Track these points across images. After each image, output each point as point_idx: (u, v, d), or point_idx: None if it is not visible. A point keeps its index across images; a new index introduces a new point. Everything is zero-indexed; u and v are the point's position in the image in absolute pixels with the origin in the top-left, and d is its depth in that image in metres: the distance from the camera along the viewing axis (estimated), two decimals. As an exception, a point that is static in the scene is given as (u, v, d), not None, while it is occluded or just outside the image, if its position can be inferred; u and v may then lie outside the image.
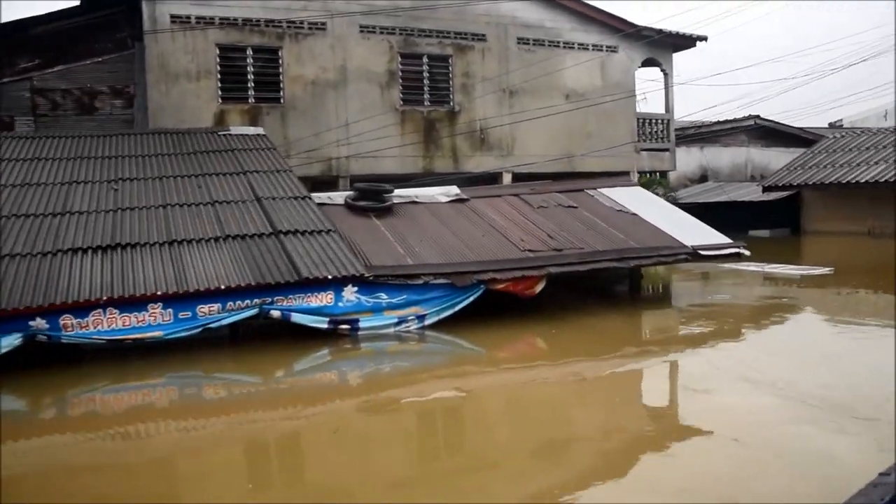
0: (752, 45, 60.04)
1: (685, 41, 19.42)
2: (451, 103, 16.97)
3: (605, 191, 11.03)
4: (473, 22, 17.16)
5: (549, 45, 18.00)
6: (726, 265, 13.57)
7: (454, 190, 10.49)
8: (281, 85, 15.41)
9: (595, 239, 9.19)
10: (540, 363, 7.46)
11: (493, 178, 17.68)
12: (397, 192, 10.13)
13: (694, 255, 9.28)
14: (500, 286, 8.14)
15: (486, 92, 17.26)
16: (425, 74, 16.80)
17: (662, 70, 19.58)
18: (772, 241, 19.78)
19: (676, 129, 25.26)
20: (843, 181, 18.74)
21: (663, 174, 24.14)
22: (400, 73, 16.46)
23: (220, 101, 14.88)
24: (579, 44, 18.34)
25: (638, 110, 19.47)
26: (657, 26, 18.63)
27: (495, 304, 8.48)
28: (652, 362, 7.36)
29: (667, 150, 19.75)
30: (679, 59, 19.75)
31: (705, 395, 5.89)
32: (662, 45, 19.36)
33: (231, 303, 7.26)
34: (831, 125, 31.64)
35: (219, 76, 14.87)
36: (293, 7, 15.34)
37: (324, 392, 6.70)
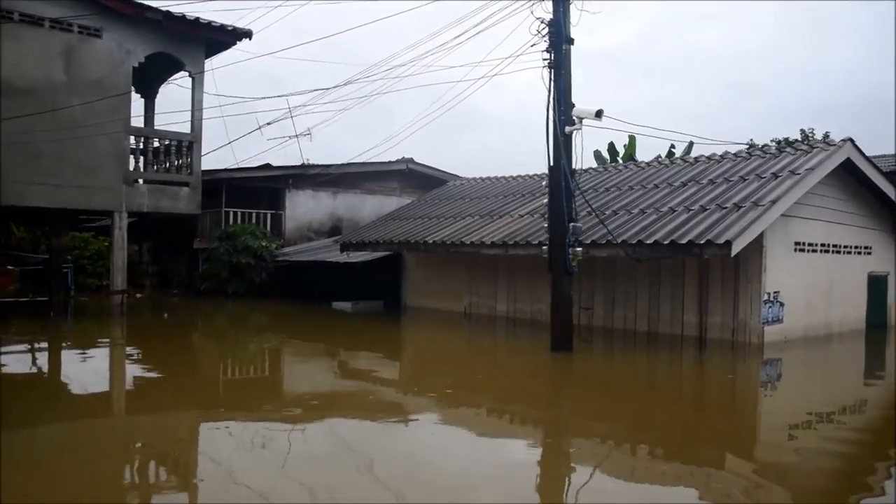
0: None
1: (222, 36, 14.00)
2: None
3: None
4: None
5: (-35, 11, 11.92)
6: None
7: None
8: None
9: None
10: None
11: None
12: None
13: None
14: None
15: None
16: None
17: (188, 72, 14.00)
18: (313, 320, 14.18)
19: (294, 168, 19.84)
20: (413, 240, 13.60)
21: (224, 221, 18.40)
22: None
23: None
24: (25, 14, 12.42)
25: (137, 125, 13.69)
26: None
27: None
28: None
29: (187, 184, 13.94)
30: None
31: None
32: (189, 39, 13.82)
33: None
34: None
35: None
36: None
37: None
